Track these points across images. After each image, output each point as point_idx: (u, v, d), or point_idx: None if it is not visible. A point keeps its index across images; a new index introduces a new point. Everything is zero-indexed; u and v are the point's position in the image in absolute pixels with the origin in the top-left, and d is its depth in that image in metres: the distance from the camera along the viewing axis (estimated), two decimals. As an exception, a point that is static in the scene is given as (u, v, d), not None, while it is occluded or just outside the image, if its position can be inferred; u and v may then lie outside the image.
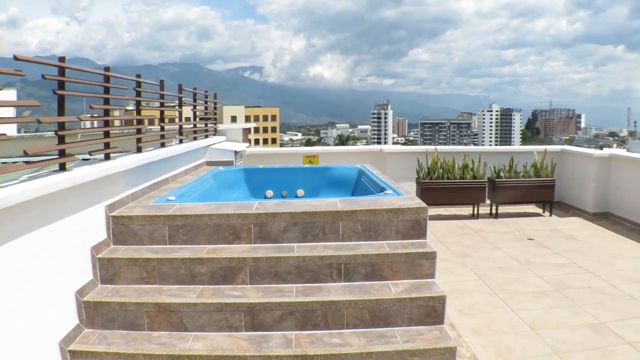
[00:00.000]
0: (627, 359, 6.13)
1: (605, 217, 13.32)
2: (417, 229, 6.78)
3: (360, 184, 10.01)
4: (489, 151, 14.76)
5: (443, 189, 12.59)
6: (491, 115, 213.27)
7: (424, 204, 6.88)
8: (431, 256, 6.38)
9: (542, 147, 14.53)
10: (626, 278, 8.88)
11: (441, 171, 12.75)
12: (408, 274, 6.34)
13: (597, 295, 8.04)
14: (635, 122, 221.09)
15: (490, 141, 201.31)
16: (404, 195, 7.50)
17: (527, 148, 15.31)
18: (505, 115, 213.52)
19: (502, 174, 13.23)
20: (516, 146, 51.35)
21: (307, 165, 12.29)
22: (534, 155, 13.75)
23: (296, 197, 10.78)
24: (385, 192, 7.78)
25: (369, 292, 5.98)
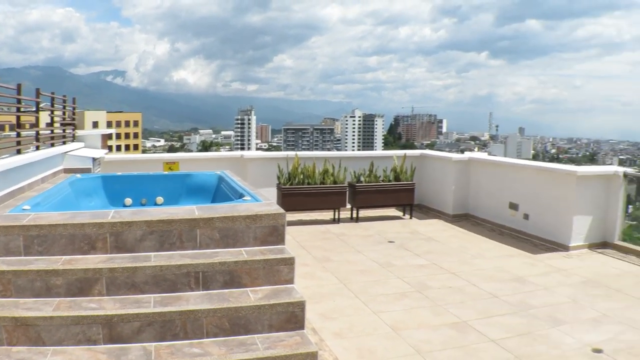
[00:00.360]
0: (490, 356, 6.27)
1: (465, 219, 13.67)
2: (275, 235, 6.73)
3: (220, 191, 9.89)
4: (349, 156, 14.92)
5: (304, 194, 12.58)
6: (354, 120, 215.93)
7: (281, 210, 6.84)
8: (289, 262, 6.34)
9: (401, 152, 14.77)
10: (487, 277, 9.16)
11: (302, 177, 12.73)
12: (267, 281, 6.29)
13: (458, 295, 8.24)
14: (497, 126, 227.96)
15: (353, 146, 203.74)
16: (262, 201, 7.44)
17: (387, 153, 15.57)
18: (368, 121, 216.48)
19: (362, 179, 13.31)
20: (376, 151, 51.88)
21: (167, 172, 12.07)
22: (393, 160, 13.91)
23: (156, 205, 10.57)
24: (244, 198, 7.70)
25: (228, 300, 5.90)
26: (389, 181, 13.51)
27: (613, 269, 9.92)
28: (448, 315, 7.42)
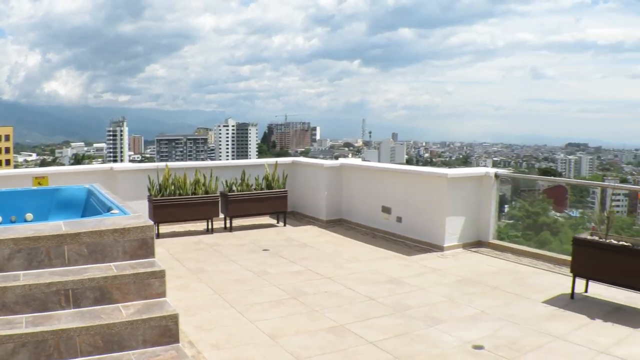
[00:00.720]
0: (369, 358, 6.29)
1: (339, 224, 13.72)
2: (144, 248, 6.57)
3: (90, 205, 9.61)
4: (221, 165, 14.73)
5: (176, 205, 12.36)
6: (227, 130, 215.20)
7: (150, 222, 6.68)
8: (160, 275, 6.20)
9: (273, 160, 14.73)
10: (362, 280, 9.20)
11: (173, 187, 12.49)
12: (139, 295, 6.14)
13: (335, 299, 8.23)
14: (370, 132, 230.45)
15: (227, 156, 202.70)
16: (130, 214, 7.25)
17: (258, 161, 15.51)
18: (242, 130, 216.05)
19: (234, 188, 13.16)
20: (248, 159, 51.95)
21: (35, 187, 11.69)
22: (265, 168, 13.81)
23: (25, 221, 10.21)
24: (112, 211, 7.49)
25: (100, 317, 5.72)
26: (262, 189, 13.43)
27: (489, 267, 10.13)
28: (325, 320, 7.39)
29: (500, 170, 11.72)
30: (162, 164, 13.20)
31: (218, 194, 13.07)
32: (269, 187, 13.50)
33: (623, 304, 8.08)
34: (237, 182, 13.30)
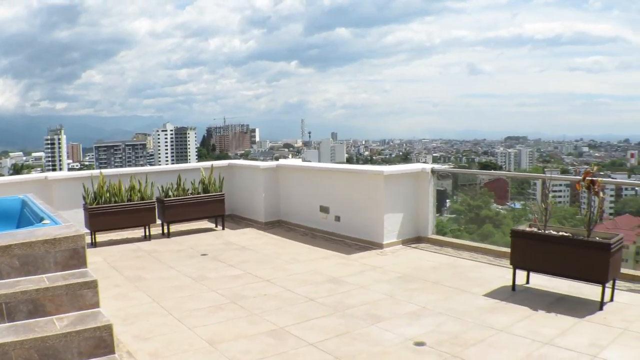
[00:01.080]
0: (310, 359, 6.23)
1: (278, 226, 13.73)
2: (76, 258, 6.44)
3: (24, 216, 9.43)
4: (156, 171, 14.66)
5: (111, 213, 12.16)
6: (166, 135, 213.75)
7: (81, 231, 6.56)
8: (93, 285, 6.10)
9: (208, 163, 14.70)
10: (301, 281, 9.19)
11: (108, 195, 12.30)
12: (72, 307, 6.02)
13: (274, 302, 8.20)
14: (309, 133, 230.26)
15: (167, 161, 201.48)
16: (61, 224, 7.11)
17: (194, 165, 15.44)
18: (180, 134, 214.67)
19: (170, 193, 13.03)
20: (183, 164, 51.73)
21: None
22: (201, 172, 13.68)
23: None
24: (44, 222, 7.35)
25: (34, 331, 5.60)
26: (198, 193, 13.32)
27: (429, 262, 10.20)
28: (265, 323, 7.36)
29: (437, 166, 11.84)
30: (96, 172, 13.03)
31: (154, 200, 12.90)
32: (205, 191, 13.39)
33: (566, 294, 8.18)
34: (173, 187, 13.16)
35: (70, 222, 7.26)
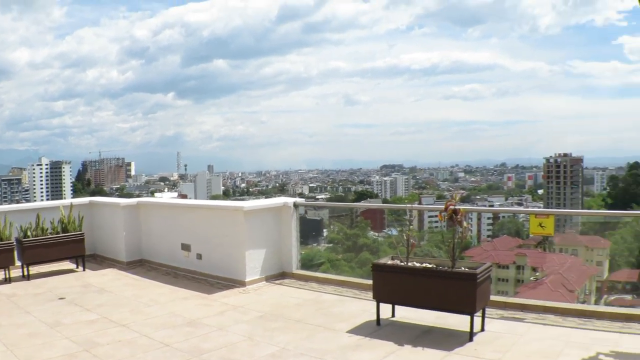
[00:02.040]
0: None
1: (140, 265, 13.46)
2: None
3: None
4: (15, 209, 14.06)
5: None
6: (41, 169, 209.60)
7: None
8: None
9: (68, 201, 14.25)
10: (159, 324, 8.92)
11: (-37, 236, 11.79)
12: None
13: (128, 349, 7.87)
14: (185, 166, 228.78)
15: (42, 196, 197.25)
16: None
17: (54, 203, 14.83)
18: (56, 169, 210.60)
19: (29, 233, 12.50)
20: (44, 202, 50.70)
21: None
22: (60, 211, 13.21)
23: None
24: None
25: None
26: (57, 233, 12.82)
27: (292, 299, 10.13)
28: (117, 372, 7.06)
29: (299, 200, 11.82)
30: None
31: (13, 241, 12.37)
32: (64, 230, 12.92)
33: (433, 326, 8.20)
34: (32, 227, 12.64)
35: None
